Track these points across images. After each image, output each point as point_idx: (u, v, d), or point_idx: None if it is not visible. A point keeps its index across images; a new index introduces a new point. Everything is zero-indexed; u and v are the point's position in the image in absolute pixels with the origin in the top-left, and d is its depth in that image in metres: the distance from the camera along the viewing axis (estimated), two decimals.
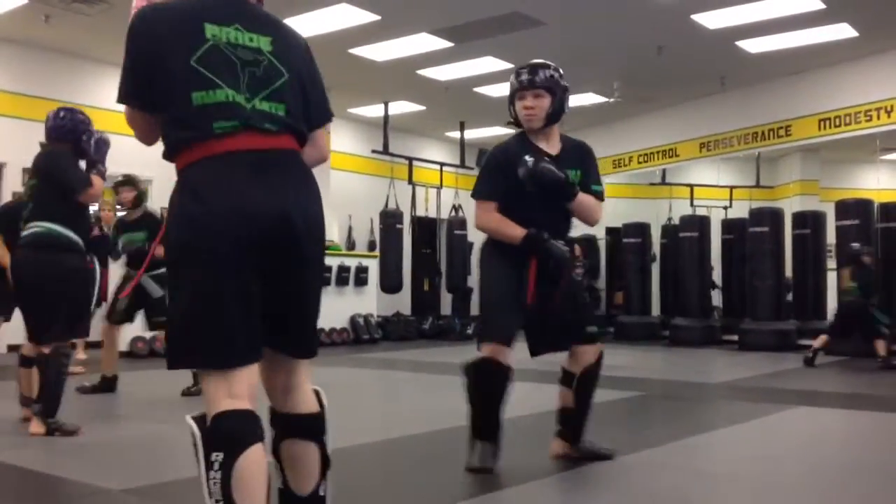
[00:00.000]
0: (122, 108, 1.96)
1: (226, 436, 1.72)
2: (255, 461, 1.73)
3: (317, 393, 2.03)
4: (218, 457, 1.70)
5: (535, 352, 3.52)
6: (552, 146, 3.44)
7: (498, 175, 3.40)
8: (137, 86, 1.89)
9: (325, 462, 1.99)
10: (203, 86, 1.83)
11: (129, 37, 1.90)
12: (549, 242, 3.29)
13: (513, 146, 3.43)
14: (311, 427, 1.99)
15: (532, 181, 3.23)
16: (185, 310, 1.80)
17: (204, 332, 1.78)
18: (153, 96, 1.87)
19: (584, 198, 3.38)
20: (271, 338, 1.90)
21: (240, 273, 1.78)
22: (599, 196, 3.49)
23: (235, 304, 1.77)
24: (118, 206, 6.67)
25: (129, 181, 6.08)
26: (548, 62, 3.44)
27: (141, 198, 6.08)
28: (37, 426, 4.17)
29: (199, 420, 1.77)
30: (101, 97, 9.51)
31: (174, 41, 1.86)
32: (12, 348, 9.49)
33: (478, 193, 3.47)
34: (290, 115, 1.94)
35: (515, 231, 3.32)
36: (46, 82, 9.99)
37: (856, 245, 9.09)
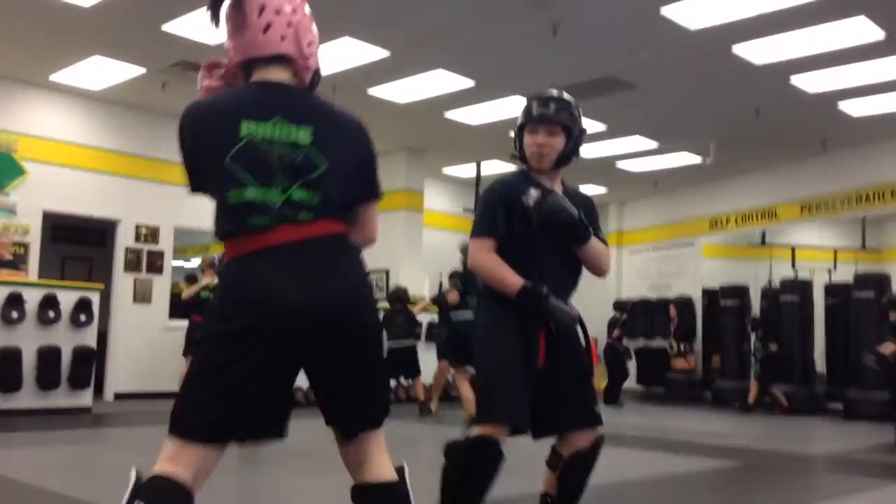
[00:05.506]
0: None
1: (152, 492, 1.77)
2: None
3: (400, 470, 2.01)
4: None
5: (536, 433, 2.83)
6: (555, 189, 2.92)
7: (499, 210, 2.85)
8: (193, 177, 2.00)
9: None
10: (235, 185, 1.89)
11: (178, 132, 2.00)
12: (550, 302, 2.71)
13: (516, 182, 2.89)
14: (389, 496, 1.96)
15: (540, 215, 2.75)
16: (191, 378, 1.90)
17: (186, 402, 1.86)
18: (203, 188, 1.98)
19: (595, 242, 2.87)
20: (326, 416, 1.97)
21: (246, 361, 1.82)
22: (605, 244, 2.97)
23: (221, 386, 1.82)
24: None
25: None
26: (568, 97, 2.94)
27: None
28: None
29: (140, 474, 1.82)
30: None
31: (212, 139, 1.93)
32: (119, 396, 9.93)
33: (475, 230, 2.93)
34: (326, 203, 1.94)
35: (512, 280, 2.74)
36: (162, 144, 10.61)
37: None
